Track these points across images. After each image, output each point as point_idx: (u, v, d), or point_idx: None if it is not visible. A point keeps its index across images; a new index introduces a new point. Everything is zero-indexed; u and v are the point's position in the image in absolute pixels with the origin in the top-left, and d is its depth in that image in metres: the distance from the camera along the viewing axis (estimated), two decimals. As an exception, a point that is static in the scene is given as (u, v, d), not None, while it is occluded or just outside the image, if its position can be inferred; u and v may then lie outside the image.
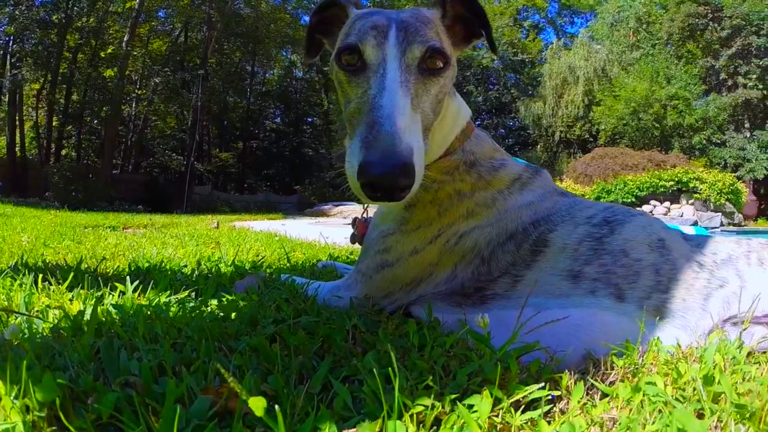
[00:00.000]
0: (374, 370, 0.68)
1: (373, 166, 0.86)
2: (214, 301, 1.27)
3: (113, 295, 1.28)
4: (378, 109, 0.94)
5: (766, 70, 22.29)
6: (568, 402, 0.79)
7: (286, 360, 0.81)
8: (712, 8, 23.50)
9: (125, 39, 19.70)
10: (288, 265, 2.17)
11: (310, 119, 32.30)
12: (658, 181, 14.18)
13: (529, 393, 0.73)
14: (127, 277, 1.33)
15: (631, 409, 0.75)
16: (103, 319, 0.99)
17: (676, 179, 14.11)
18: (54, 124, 23.23)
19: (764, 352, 1.05)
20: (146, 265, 1.94)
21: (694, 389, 0.79)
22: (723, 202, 14.27)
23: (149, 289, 1.34)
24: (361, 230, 1.47)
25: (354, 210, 14.77)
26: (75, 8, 20.77)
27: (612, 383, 0.88)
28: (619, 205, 1.38)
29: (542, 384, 0.76)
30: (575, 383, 0.81)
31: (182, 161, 24.71)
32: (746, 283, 1.16)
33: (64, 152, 24.82)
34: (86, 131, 25.65)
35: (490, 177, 1.26)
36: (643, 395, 0.77)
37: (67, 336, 0.87)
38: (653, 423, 0.69)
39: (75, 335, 0.89)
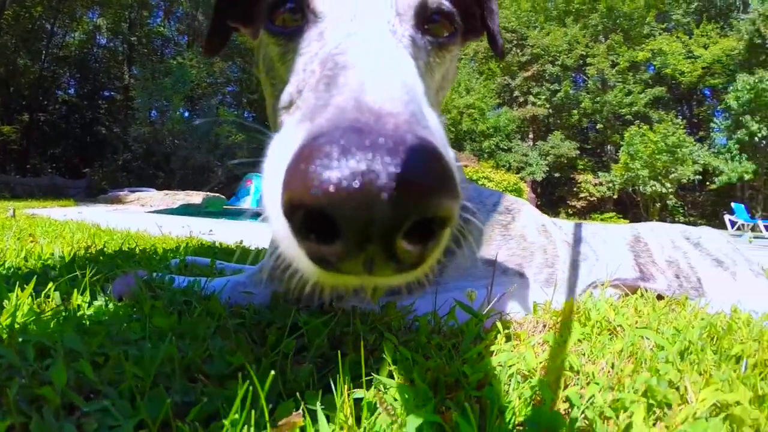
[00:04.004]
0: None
1: (335, 138, 0.36)
2: (107, 309, 1.00)
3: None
4: (347, 64, 0.49)
5: (554, 93, 26.86)
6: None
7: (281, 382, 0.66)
8: (518, 36, 27.20)
9: None
10: (138, 258, 1.82)
11: (107, 93, 28.13)
12: (450, 178, 16.00)
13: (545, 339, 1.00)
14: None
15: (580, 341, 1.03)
16: None
17: (467, 177, 15.98)
18: None
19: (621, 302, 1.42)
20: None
21: (600, 327, 1.11)
22: (508, 198, 16.94)
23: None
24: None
25: (152, 197, 13.16)
26: None
27: (540, 331, 1.13)
28: (506, 193, 1.62)
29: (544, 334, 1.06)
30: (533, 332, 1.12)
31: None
32: (599, 256, 1.56)
33: None
34: None
35: None
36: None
37: None
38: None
39: None
